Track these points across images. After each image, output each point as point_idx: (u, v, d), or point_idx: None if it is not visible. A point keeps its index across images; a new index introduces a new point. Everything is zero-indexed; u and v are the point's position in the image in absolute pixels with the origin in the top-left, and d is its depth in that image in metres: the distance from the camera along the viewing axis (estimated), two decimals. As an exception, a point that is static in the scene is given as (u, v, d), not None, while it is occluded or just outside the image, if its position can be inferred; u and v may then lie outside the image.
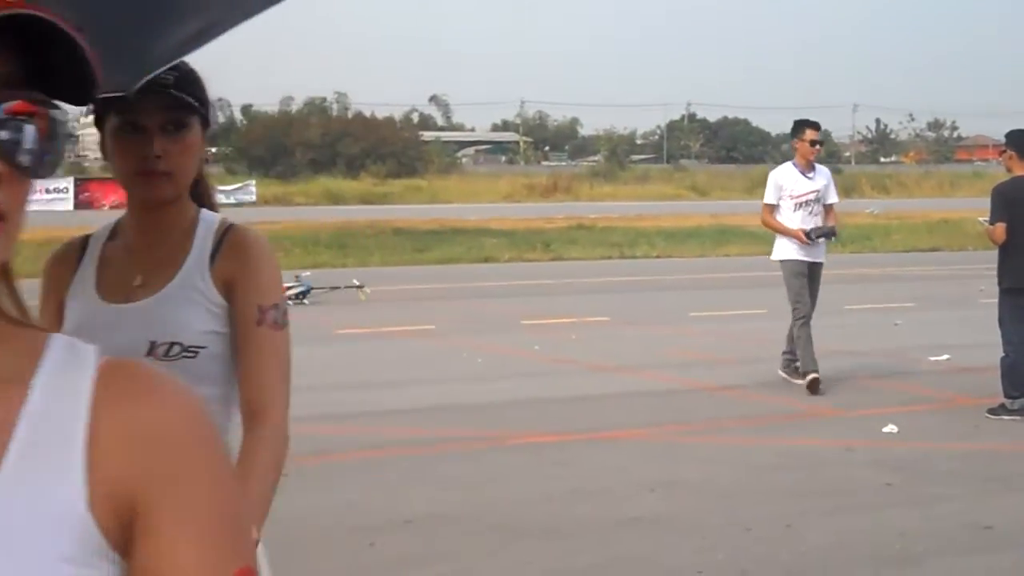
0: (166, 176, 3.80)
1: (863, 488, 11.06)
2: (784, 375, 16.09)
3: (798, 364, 15.74)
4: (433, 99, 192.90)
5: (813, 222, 15.97)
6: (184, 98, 3.84)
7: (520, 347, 19.93)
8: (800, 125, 16.37)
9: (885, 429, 13.36)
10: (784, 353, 16.21)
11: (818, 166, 16.43)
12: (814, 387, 15.39)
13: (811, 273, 15.98)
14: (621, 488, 11.04)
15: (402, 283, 30.51)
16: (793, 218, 16.00)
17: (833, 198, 16.36)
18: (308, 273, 27.70)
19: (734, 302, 26.07)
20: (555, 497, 10.75)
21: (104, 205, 72.12)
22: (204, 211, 4.00)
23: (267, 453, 3.68)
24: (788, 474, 11.58)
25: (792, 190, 16.09)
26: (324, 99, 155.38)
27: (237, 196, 77.05)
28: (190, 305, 3.78)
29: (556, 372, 17.58)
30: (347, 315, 23.90)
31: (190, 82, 3.90)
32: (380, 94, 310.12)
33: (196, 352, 3.73)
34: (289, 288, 25.45)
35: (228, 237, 3.90)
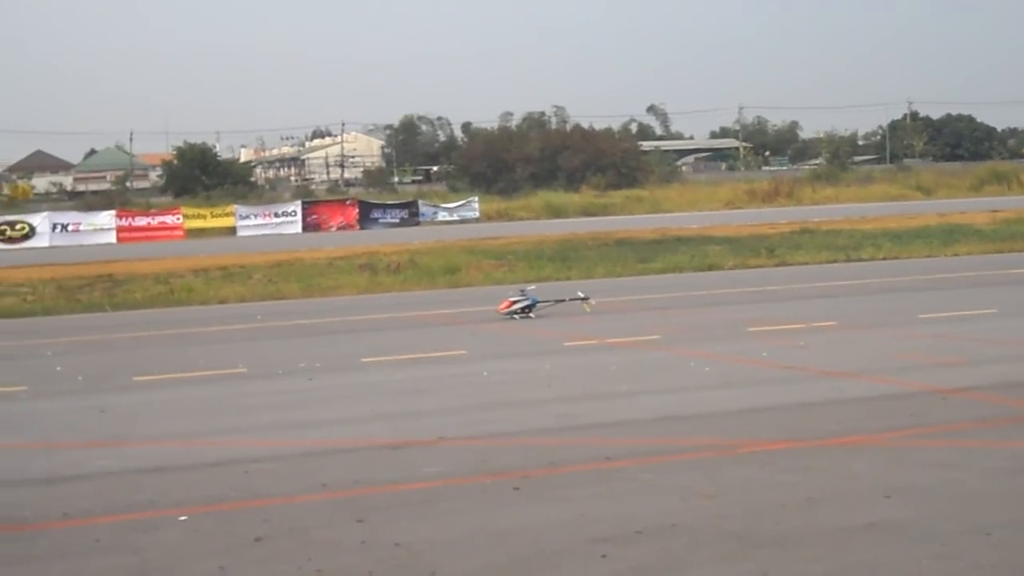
0: None
1: (1107, 490, 10.75)
2: None
3: None
4: (651, 108, 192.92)
5: None
6: None
7: (748, 355, 19.79)
8: None
9: None
10: None
11: None
12: None
13: None
14: (855, 494, 10.90)
15: (627, 294, 30.53)
16: None
17: None
18: (533, 287, 27.89)
19: (964, 303, 25.55)
20: (788, 505, 10.66)
21: (332, 227, 73.57)
22: None
23: None
24: (1028, 477, 11.31)
25: None
26: (542, 113, 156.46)
27: (461, 213, 78.00)
28: None
29: (786, 379, 17.41)
30: (574, 327, 23.96)
31: None
32: (598, 106, 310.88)
33: None
34: (515, 302, 25.68)
35: None
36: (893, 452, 12.62)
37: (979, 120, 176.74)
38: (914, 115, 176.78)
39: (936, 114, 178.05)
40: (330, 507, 11.23)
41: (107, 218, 71.76)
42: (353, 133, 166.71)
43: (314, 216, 75.20)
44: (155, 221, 73.45)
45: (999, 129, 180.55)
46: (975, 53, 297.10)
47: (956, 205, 71.45)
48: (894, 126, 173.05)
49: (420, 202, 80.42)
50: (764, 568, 9.00)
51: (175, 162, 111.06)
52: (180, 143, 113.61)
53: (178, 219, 73.67)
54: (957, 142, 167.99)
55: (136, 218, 73.43)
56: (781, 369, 18.25)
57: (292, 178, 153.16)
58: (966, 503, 10.49)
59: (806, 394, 16.06)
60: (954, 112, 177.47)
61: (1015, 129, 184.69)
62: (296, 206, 76.77)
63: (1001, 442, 12.81)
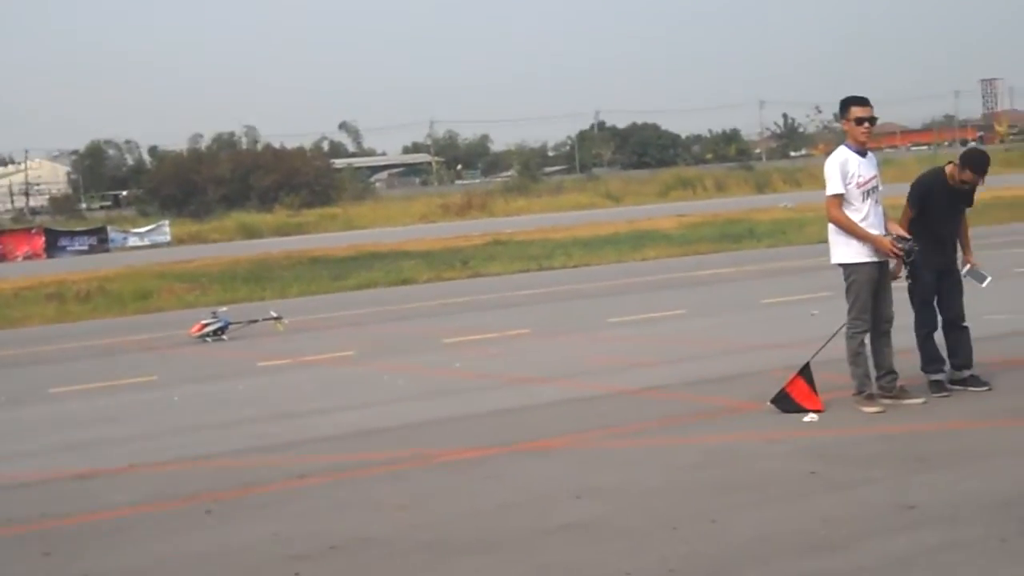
0: None
1: (787, 479, 11.12)
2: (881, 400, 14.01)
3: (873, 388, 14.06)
4: (343, 126, 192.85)
5: (879, 213, 13.86)
6: None
7: (441, 366, 19.91)
8: (845, 104, 14.08)
9: (805, 419, 13.44)
10: (878, 378, 14.10)
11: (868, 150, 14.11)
12: (871, 401, 13.93)
13: (882, 275, 14.01)
14: (548, 497, 11.04)
15: (322, 311, 30.43)
16: (861, 209, 13.74)
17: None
18: (225, 308, 27.61)
19: (652, 305, 26.16)
20: (483, 511, 10.74)
21: (18, 257, 71.82)
22: None
23: None
24: (712, 471, 11.63)
25: (859, 176, 13.78)
26: (233, 134, 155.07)
27: (151, 238, 76.82)
28: None
29: (478, 388, 17.55)
30: (267, 347, 23.77)
31: None
32: (289, 125, 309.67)
33: None
34: (207, 325, 25.36)
35: None
36: (583, 454, 12.83)
37: (664, 128, 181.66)
38: (601, 125, 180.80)
39: (622, 123, 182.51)
40: (15, 542, 10.88)
41: None
42: (37, 160, 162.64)
43: (-1, 246, 73.22)
44: None
45: (683, 136, 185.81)
46: (658, 63, 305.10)
47: (644, 211, 73.29)
48: (582, 136, 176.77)
49: (109, 228, 79.06)
50: (460, 574, 9.05)
51: None
52: None
53: None
54: (644, 150, 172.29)
55: None
56: (474, 378, 18.40)
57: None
58: (652, 499, 10.72)
59: (498, 401, 16.20)
60: (639, 121, 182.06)
61: (698, 136, 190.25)
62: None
63: (684, 439, 13.13)
